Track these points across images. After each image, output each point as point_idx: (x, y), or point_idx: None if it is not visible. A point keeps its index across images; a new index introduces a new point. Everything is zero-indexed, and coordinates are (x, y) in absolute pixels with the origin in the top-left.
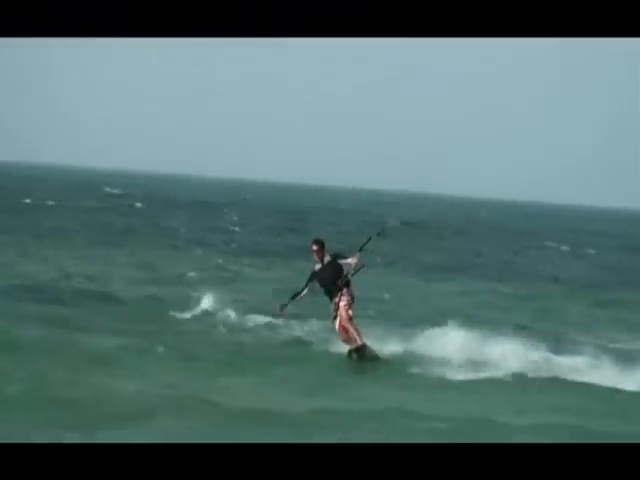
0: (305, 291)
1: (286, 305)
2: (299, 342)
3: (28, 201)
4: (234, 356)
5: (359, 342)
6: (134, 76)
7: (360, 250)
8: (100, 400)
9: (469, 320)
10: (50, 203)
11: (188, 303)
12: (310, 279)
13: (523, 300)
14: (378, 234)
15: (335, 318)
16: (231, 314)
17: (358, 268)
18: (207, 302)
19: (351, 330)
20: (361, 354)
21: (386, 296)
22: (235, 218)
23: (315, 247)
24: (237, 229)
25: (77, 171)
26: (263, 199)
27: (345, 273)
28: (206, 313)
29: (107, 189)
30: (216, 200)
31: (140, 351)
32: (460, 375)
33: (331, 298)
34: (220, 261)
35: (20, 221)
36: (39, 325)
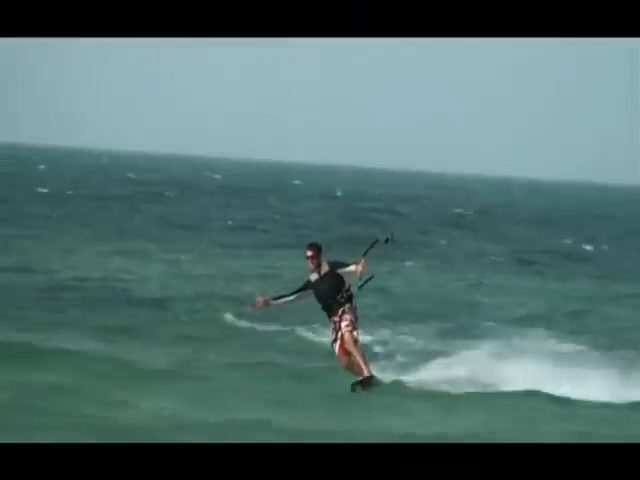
0: (291, 298)
1: (269, 303)
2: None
3: (45, 191)
4: (301, 369)
5: (366, 373)
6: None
7: (364, 255)
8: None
9: (561, 325)
10: (69, 192)
11: (243, 307)
12: (302, 289)
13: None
14: (386, 241)
15: (335, 341)
16: (291, 320)
17: (366, 279)
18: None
19: (356, 355)
20: (368, 388)
21: (485, 300)
22: (284, 206)
23: (310, 252)
24: (289, 219)
25: (86, 154)
26: (308, 183)
27: (347, 286)
28: (263, 319)
29: (130, 175)
30: (256, 186)
31: (201, 365)
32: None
33: (330, 315)
34: (274, 258)
35: (40, 213)
36: (81, 335)
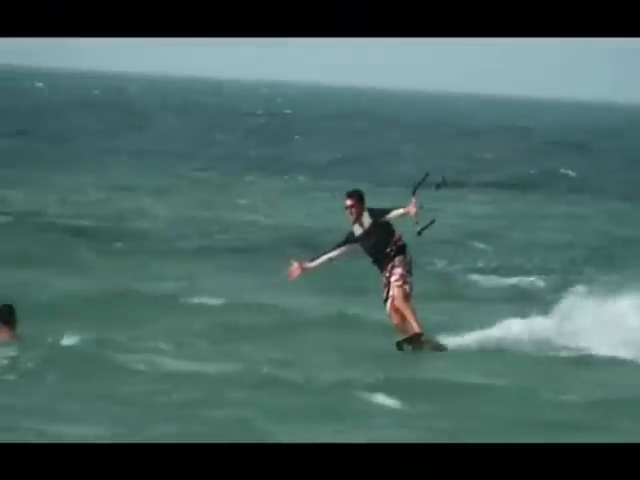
0: (334, 254)
1: (306, 267)
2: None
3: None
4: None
5: (415, 329)
6: None
7: (413, 193)
8: None
9: None
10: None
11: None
12: (345, 242)
13: None
14: (439, 186)
15: (387, 299)
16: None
17: (428, 224)
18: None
19: (404, 311)
20: (416, 346)
21: None
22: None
23: (350, 202)
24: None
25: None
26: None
27: (397, 236)
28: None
29: (214, 106)
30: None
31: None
32: None
33: (381, 270)
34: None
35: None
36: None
